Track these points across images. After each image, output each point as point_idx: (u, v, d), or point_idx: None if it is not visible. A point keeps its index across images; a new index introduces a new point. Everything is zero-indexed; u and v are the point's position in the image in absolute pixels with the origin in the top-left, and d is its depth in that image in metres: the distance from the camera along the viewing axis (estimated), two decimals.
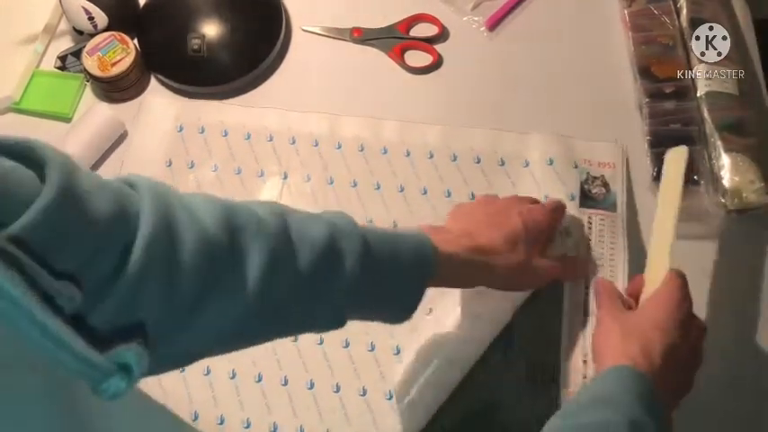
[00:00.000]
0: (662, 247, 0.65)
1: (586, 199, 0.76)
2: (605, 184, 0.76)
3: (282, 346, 0.73)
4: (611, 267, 0.72)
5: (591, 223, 0.74)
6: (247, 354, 0.60)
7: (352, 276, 0.51)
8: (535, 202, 0.71)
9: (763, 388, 0.69)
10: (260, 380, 0.72)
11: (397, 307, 0.57)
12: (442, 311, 0.72)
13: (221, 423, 0.71)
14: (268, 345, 0.54)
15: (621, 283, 0.71)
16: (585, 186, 0.76)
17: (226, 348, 0.50)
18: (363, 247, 0.52)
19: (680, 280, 0.62)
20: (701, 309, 0.71)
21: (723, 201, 0.73)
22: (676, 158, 0.70)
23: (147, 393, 0.41)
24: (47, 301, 0.30)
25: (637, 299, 0.66)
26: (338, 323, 0.54)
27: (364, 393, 0.71)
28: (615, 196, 0.75)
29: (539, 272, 0.66)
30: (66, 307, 0.32)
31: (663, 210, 0.67)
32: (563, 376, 0.68)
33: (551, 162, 0.77)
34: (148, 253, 0.39)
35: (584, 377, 0.68)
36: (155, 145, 0.84)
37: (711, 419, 0.68)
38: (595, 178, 0.77)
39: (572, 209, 0.74)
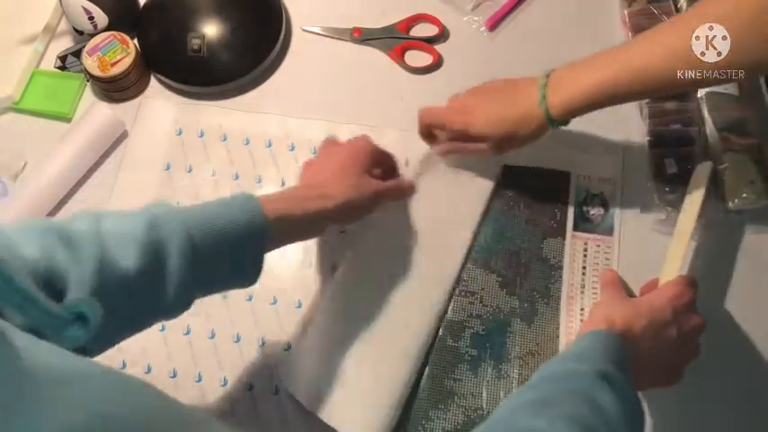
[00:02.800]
0: (676, 257, 0.66)
1: (583, 222, 0.76)
2: (604, 203, 0.76)
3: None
4: None
5: (586, 250, 0.74)
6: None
7: (183, 258, 0.53)
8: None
9: (763, 386, 0.69)
10: (213, 336, 0.73)
11: (242, 271, 0.59)
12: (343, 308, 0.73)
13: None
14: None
15: None
16: (584, 207, 0.76)
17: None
18: (184, 226, 0.54)
19: (687, 279, 0.63)
20: (701, 309, 0.72)
21: (723, 201, 0.73)
22: (701, 173, 0.71)
23: None
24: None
25: None
26: (183, 307, 0.56)
27: None
28: (613, 217, 0.76)
29: (370, 188, 0.67)
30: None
31: (684, 220, 0.68)
32: None
33: (549, 179, 0.77)
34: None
35: None
36: (154, 148, 0.84)
37: (711, 418, 0.68)
38: (594, 196, 0.77)
39: (568, 229, 0.74)
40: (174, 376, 0.73)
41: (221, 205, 0.58)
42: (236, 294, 0.74)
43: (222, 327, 0.75)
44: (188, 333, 0.75)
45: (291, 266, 0.77)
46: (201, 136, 0.85)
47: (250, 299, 0.75)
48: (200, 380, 0.73)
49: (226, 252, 0.56)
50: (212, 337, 0.74)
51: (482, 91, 0.72)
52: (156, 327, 0.58)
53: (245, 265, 0.59)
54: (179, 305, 0.56)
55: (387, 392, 0.68)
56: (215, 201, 0.59)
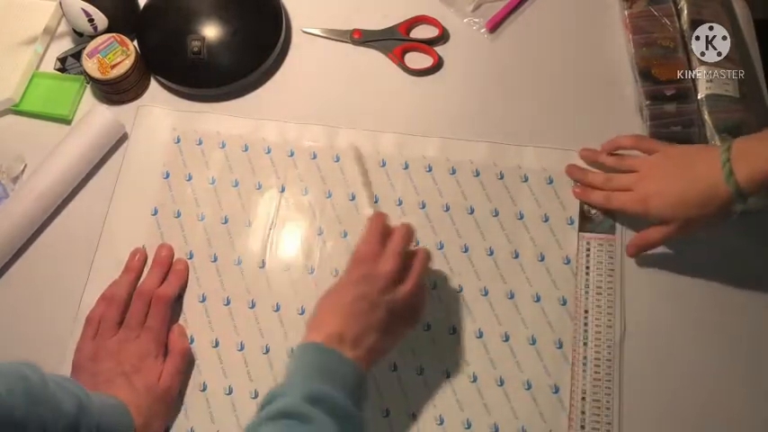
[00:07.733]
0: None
1: (585, 221, 0.76)
2: None
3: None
4: (609, 295, 0.73)
5: (589, 249, 0.75)
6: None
7: None
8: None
9: (763, 387, 0.69)
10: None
11: None
12: None
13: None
14: None
15: (619, 313, 0.71)
16: (585, 207, 0.76)
17: None
18: None
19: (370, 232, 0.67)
20: (702, 311, 0.72)
21: None
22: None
23: None
24: None
25: None
26: None
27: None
28: (614, 217, 0.76)
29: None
30: None
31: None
32: None
33: (551, 181, 0.77)
34: None
35: None
36: (152, 156, 0.84)
37: (711, 419, 0.68)
38: None
39: (571, 233, 0.74)
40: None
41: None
42: (239, 303, 0.74)
43: (227, 336, 0.75)
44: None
45: (293, 273, 0.77)
46: (200, 144, 0.84)
47: (253, 306, 0.75)
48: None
49: None
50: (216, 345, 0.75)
51: (655, 166, 0.71)
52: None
53: None
54: None
55: None
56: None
